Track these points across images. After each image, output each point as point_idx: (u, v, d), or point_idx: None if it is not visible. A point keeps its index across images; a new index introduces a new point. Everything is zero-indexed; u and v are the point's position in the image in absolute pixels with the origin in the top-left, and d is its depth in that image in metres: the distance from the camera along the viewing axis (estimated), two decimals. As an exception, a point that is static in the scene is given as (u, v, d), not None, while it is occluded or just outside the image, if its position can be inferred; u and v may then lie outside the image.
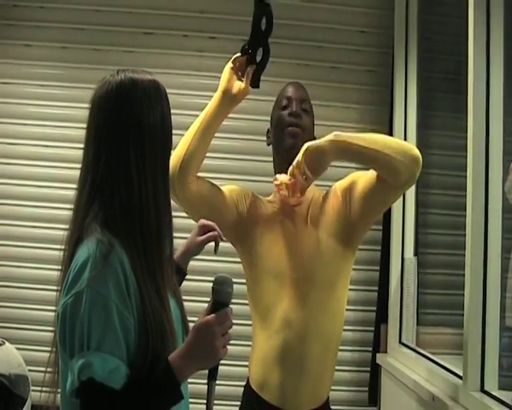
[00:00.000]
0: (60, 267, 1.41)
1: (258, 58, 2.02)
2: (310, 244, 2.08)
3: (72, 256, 1.36)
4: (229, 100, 2.04)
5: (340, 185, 2.16)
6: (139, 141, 1.38)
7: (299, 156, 1.98)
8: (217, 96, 2.05)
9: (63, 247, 1.41)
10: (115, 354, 1.29)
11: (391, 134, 3.44)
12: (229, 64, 2.05)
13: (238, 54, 2.04)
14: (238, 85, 2.02)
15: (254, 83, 2.03)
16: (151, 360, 1.32)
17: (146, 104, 1.40)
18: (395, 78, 3.44)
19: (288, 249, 2.08)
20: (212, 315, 1.36)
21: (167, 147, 1.45)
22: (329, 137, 1.98)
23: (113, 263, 1.31)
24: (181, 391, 1.32)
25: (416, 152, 2.00)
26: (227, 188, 2.16)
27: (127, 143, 1.38)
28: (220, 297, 1.41)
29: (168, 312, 1.39)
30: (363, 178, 2.09)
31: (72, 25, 3.62)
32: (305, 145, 1.99)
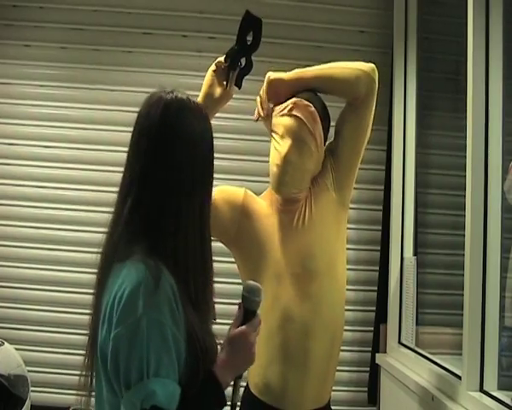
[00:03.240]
0: (92, 291, 1.39)
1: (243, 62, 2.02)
2: (306, 238, 2.08)
3: (106, 279, 1.34)
4: (213, 104, 2.02)
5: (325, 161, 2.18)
6: (191, 169, 1.37)
7: (263, 87, 2.15)
8: (199, 101, 2.03)
9: (95, 270, 1.39)
10: (171, 377, 1.28)
11: (390, 133, 3.45)
12: (212, 67, 2.04)
13: (221, 58, 2.03)
14: (221, 90, 2.02)
15: (236, 83, 2.02)
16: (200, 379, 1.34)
17: (200, 133, 1.41)
18: (394, 77, 3.44)
19: (285, 245, 2.07)
20: (247, 326, 1.42)
21: (212, 174, 1.44)
22: (290, 72, 2.13)
23: (164, 287, 1.29)
24: (225, 399, 1.37)
25: (370, 64, 2.11)
26: (218, 189, 2.14)
27: (179, 169, 1.36)
28: (252, 306, 1.45)
29: (212, 334, 1.41)
30: (337, 127, 2.16)
31: (72, 25, 3.63)
32: (268, 75, 2.14)
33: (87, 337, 1.38)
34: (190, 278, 1.36)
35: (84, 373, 1.40)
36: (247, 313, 1.44)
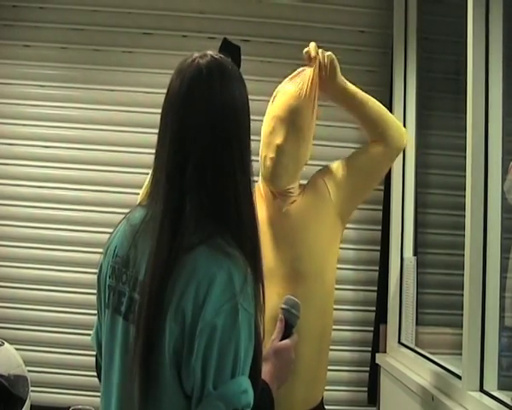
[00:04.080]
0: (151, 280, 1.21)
1: None
2: (297, 238, 2.07)
3: (171, 270, 1.19)
4: None
5: (330, 172, 2.16)
6: (239, 146, 1.28)
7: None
8: None
9: (156, 258, 1.21)
10: (248, 377, 1.18)
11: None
12: None
13: None
14: None
15: None
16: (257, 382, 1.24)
17: (243, 98, 1.33)
18: (394, 78, 3.44)
19: (276, 245, 2.06)
20: (290, 340, 1.42)
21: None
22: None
23: (250, 278, 1.20)
24: None
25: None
26: None
27: (231, 150, 1.26)
28: (293, 321, 1.48)
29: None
30: (357, 155, 2.19)
31: (72, 25, 3.62)
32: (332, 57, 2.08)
33: (136, 339, 1.20)
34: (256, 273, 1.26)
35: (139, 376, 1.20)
36: (288, 327, 1.46)
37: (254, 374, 1.21)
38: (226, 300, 1.16)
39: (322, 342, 2.09)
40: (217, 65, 1.30)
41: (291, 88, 2.07)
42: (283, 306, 1.50)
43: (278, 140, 2.02)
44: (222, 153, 1.25)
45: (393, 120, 2.22)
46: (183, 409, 1.18)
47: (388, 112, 2.22)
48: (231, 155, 1.26)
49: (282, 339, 1.44)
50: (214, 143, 1.25)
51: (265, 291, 1.94)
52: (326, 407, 2.21)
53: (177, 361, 1.18)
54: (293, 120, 2.02)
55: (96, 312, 1.44)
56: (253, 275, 1.23)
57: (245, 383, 1.16)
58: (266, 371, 1.34)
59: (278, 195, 2.10)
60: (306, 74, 2.06)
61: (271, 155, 2.04)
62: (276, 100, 2.10)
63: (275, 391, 1.34)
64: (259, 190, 2.16)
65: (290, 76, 2.13)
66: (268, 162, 2.05)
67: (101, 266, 1.39)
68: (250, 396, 1.17)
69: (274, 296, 2.02)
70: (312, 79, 2.04)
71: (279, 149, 2.02)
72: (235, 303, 1.16)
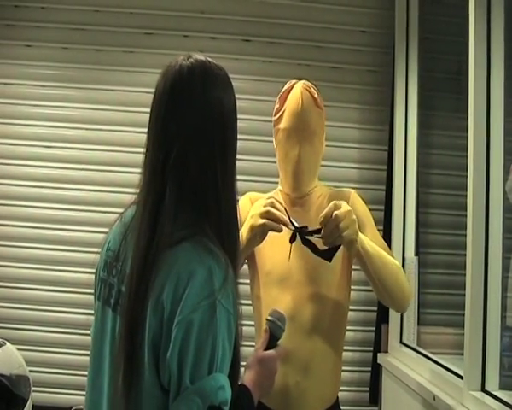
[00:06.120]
0: (132, 272, 1.23)
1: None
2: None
3: (153, 265, 1.21)
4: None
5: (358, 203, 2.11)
6: (222, 144, 1.29)
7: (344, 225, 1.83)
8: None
9: (140, 253, 1.23)
10: (226, 375, 1.19)
11: (392, 133, 3.44)
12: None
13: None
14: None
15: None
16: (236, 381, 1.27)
17: (233, 114, 1.33)
18: (396, 77, 3.44)
19: (292, 252, 2.05)
20: (275, 351, 1.43)
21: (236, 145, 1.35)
22: (362, 242, 1.90)
23: (231, 276, 1.21)
24: None
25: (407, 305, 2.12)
26: None
27: (213, 147, 1.28)
28: (278, 333, 1.50)
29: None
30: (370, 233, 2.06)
31: (73, 25, 3.63)
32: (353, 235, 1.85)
33: (121, 331, 1.23)
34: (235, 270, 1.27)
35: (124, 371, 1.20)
36: (273, 339, 1.47)
37: (233, 375, 1.22)
38: (205, 296, 1.17)
39: (336, 342, 2.09)
40: (199, 65, 1.31)
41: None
42: (269, 318, 1.51)
43: (296, 154, 2.03)
44: (203, 150, 1.27)
45: (406, 293, 2.05)
46: (161, 402, 1.19)
47: (401, 279, 2.04)
48: (213, 153, 1.28)
49: (265, 350, 1.45)
50: (196, 140, 1.27)
51: (280, 295, 1.96)
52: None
53: (155, 354, 1.19)
54: (309, 127, 2.03)
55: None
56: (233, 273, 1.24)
57: (222, 379, 1.17)
58: (249, 378, 1.35)
59: (294, 201, 2.10)
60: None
61: (292, 167, 2.05)
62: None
63: (256, 399, 1.34)
64: (277, 194, 2.14)
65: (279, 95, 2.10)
66: (289, 175, 2.07)
67: (98, 262, 1.44)
68: (227, 393, 1.18)
69: (288, 298, 2.02)
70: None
71: (300, 161, 2.04)
72: (214, 300, 1.17)
